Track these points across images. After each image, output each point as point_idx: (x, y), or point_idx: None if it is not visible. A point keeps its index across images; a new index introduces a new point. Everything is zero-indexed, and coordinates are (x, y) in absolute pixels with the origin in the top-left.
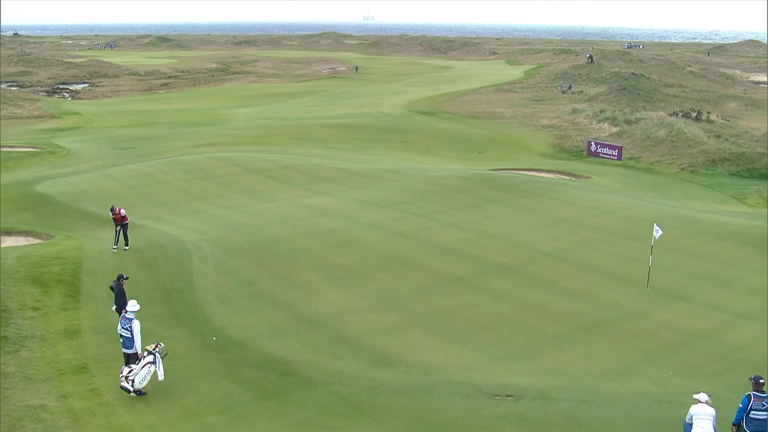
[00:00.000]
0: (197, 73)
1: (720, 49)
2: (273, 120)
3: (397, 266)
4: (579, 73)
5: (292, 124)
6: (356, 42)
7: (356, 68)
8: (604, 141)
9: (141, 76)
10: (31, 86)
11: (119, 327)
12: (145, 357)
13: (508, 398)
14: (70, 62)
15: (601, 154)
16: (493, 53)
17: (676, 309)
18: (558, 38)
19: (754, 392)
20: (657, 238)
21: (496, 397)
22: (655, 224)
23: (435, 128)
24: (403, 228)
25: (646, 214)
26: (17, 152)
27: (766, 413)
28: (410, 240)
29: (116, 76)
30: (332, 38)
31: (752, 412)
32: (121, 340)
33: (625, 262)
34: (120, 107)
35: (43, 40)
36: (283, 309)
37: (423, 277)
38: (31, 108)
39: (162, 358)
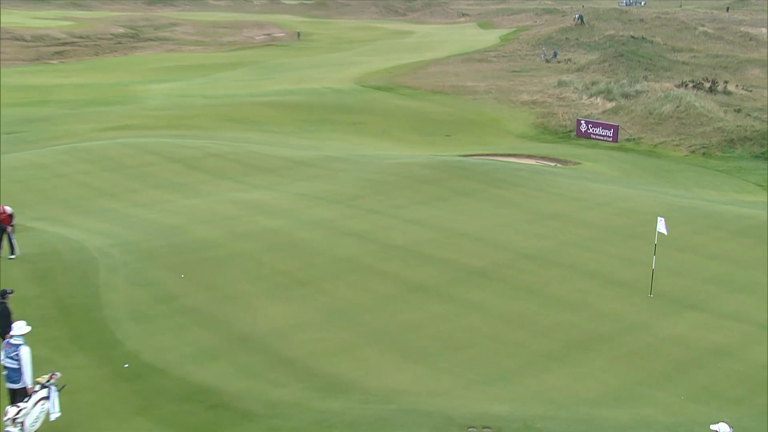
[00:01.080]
0: (100, 39)
1: (742, 3)
2: (197, 98)
3: (351, 273)
4: (566, 38)
5: (220, 102)
6: (297, 2)
7: (297, 34)
8: (597, 119)
9: (27, 41)
10: None
11: (2, 356)
12: (36, 392)
13: (485, 430)
14: None
15: (593, 136)
16: (463, 15)
17: (687, 320)
18: None
19: None
20: (662, 234)
21: (470, 430)
22: (659, 218)
23: (393, 107)
24: (357, 227)
25: (648, 207)
26: None
27: None
28: (366, 241)
29: None
30: None
31: None
32: (5, 372)
33: (624, 265)
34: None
35: None
36: (213, 327)
37: (381, 285)
38: None
39: (58, 392)
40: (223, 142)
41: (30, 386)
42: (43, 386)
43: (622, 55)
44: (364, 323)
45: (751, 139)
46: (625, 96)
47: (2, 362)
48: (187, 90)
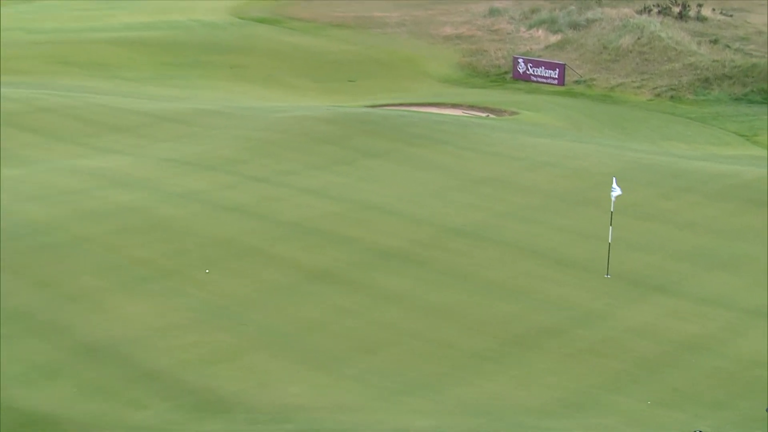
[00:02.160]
0: None
1: None
2: (17, 32)
3: (231, 259)
4: None
5: (50, 40)
6: None
7: None
8: (539, 57)
9: None
10: None
11: None
12: None
13: None
14: None
15: (533, 78)
16: None
17: (653, 307)
18: None
19: None
20: (621, 200)
21: None
22: (614, 180)
23: (281, 45)
24: (238, 199)
25: (604, 166)
26: None
27: None
28: (249, 218)
29: None
30: None
31: None
32: None
33: (575, 240)
34: None
35: None
36: (50, 337)
37: (271, 273)
38: None
39: None
40: (58, 93)
41: None
42: None
43: None
44: (249, 322)
45: (730, 78)
46: (574, 26)
47: None
48: (2, 22)
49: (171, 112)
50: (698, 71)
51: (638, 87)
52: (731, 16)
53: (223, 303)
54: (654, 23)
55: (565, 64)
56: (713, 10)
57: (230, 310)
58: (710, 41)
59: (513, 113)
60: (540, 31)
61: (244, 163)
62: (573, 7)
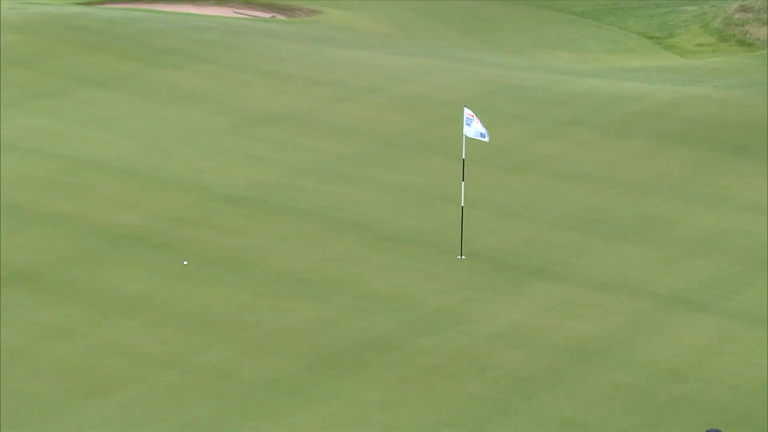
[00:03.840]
0: None
1: None
2: None
3: None
4: None
5: None
6: None
7: None
8: None
9: None
10: None
11: None
12: None
13: None
14: None
15: None
16: None
17: (530, 299)
18: None
19: None
20: (472, 138)
21: None
22: (466, 113)
23: None
24: None
25: (451, 92)
26: None
27: None
28: None
29: None
30: None
31: None
32: None
33: (409, 204)
34: None
35: None
36: None
37: None
38: None
39: None
40: None
41: None
42: None
43: None
44: None
45: None
46: None
47: None
48: None
49: None
50: None
51: None
52: None
53: None
54: None
55: None
56: None
57: None
58: None
59: (312, 13)
60: None
61: None
62: None
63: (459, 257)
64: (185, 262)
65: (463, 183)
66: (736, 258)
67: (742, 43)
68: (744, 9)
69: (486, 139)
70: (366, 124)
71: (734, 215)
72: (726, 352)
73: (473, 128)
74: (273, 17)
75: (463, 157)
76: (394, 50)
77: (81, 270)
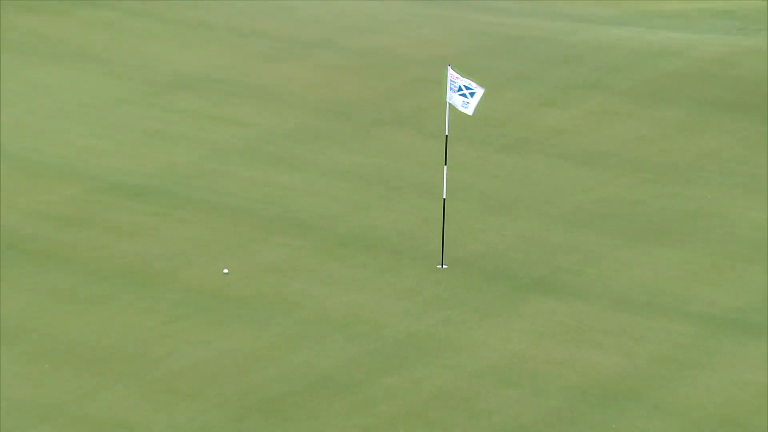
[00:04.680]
0: None
1: None
2: None
3: None
4: None
5: None
6: None
7: None
8: None
9: None
10: None
11: None
12: None
13: None
14: None
15: None
16: None
17: (533, 321)
18: None
19: None
20: (460, 108)
21: None
22: (449, 71)
23: None
24: None
25: (428, 44)
26: None
27: None
28: None
29: None
30: None
31: None
32: None
33: (369, 200)
34: None
35: None
36: None
37: None
38: None
39: None
40: None
41: None
42: None
43: None
44: None
45: None
46: None
47: None
48: None
49: None
50: None
51: None
52: None
53: None
54: None
55: None
56: None
57: None
58: None
59: None
60: None
61: None
62: None
63: (439, 267)
64: (225, 270)
65: (445, 168)
66: None
67: None
68: None
69: (469, 111)
70: (313, 90)
71: None
72: None
73: (460, 95)
74: None
75: (446, 133)
76: None
77: None
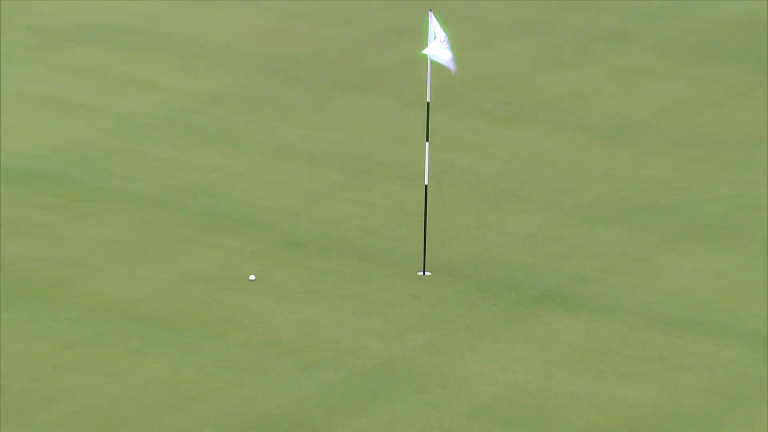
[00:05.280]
0: None
1: None
2: None
3: None
4: None
5: None
6: None
7: None
8: None
9: None
10: None
11: None
12: None
13: None
14: None
15: None
16: None
17: (541, 344)
18: None
19: None
20: (449, 64)
21: None
22: (431, 17)
23: None
24: None
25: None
26: None
27: None
28: None
29: None
30: None
31: None
32: None
33: (328, 190)
34: None
35: None
36: None
37: None
38: None
39: None
40: None
41: None
42: None
43: None
44: None
45: None
46: None
47: None
48: None
49: None
50: None
51: None
52: None
53: None
54: None
55: None
56: None
57: None
58: None
59: None
60: None
61: None
62: None
63: (419, 274)
64: (252, 277)
65: (426, 144)
66: None
67: None
68: None
69: (452, 68)
70: (254, 42)
71: None
72: None
73: (444, 47)
74: None
75: (428, 99)
76: None
77: None
